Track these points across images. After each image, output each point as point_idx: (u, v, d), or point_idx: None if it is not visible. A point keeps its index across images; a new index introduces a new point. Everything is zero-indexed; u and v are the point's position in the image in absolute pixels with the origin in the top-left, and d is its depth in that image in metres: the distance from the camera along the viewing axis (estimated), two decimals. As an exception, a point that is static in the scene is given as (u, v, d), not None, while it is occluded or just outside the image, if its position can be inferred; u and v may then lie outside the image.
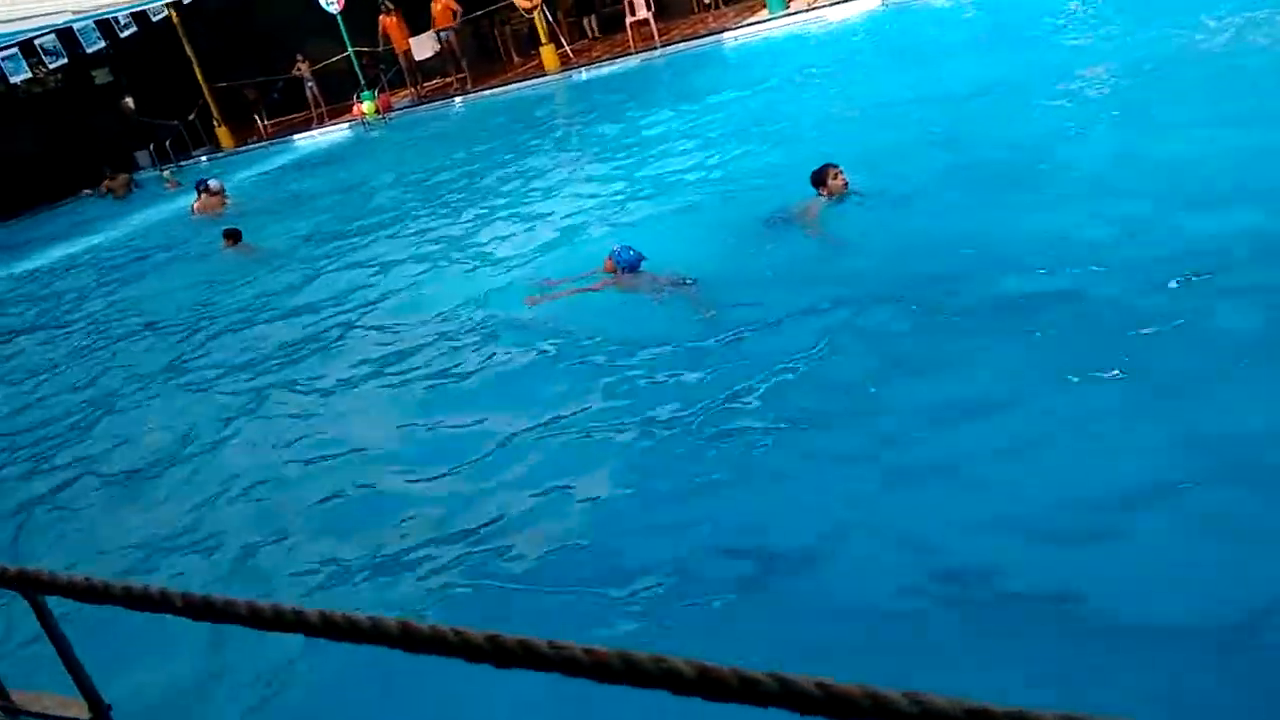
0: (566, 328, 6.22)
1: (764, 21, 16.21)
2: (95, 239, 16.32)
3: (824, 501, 3.95)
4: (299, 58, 21.77)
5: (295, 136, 21.26)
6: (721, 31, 16.63)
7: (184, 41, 21.84)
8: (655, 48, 16.95)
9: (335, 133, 20.38)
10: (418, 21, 19.86)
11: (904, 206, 6.79)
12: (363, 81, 20.41)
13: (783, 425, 4.58)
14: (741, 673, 0.80)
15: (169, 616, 1.08)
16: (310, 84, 21.73)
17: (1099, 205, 5.84)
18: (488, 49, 21.53)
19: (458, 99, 19.01)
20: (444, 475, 4.95)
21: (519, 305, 6.92)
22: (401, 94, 21.03)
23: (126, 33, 21.41)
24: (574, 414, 5.15)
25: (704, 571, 3.75)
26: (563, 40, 18.77)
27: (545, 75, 18.05)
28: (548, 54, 18.18)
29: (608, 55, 17.97)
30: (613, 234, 7.92)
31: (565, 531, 4.22)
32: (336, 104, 21.64)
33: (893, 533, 3.67)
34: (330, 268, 9.74)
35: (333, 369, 6.94)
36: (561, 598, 3.81)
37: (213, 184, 14.85)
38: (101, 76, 24.47)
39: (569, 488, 4.50)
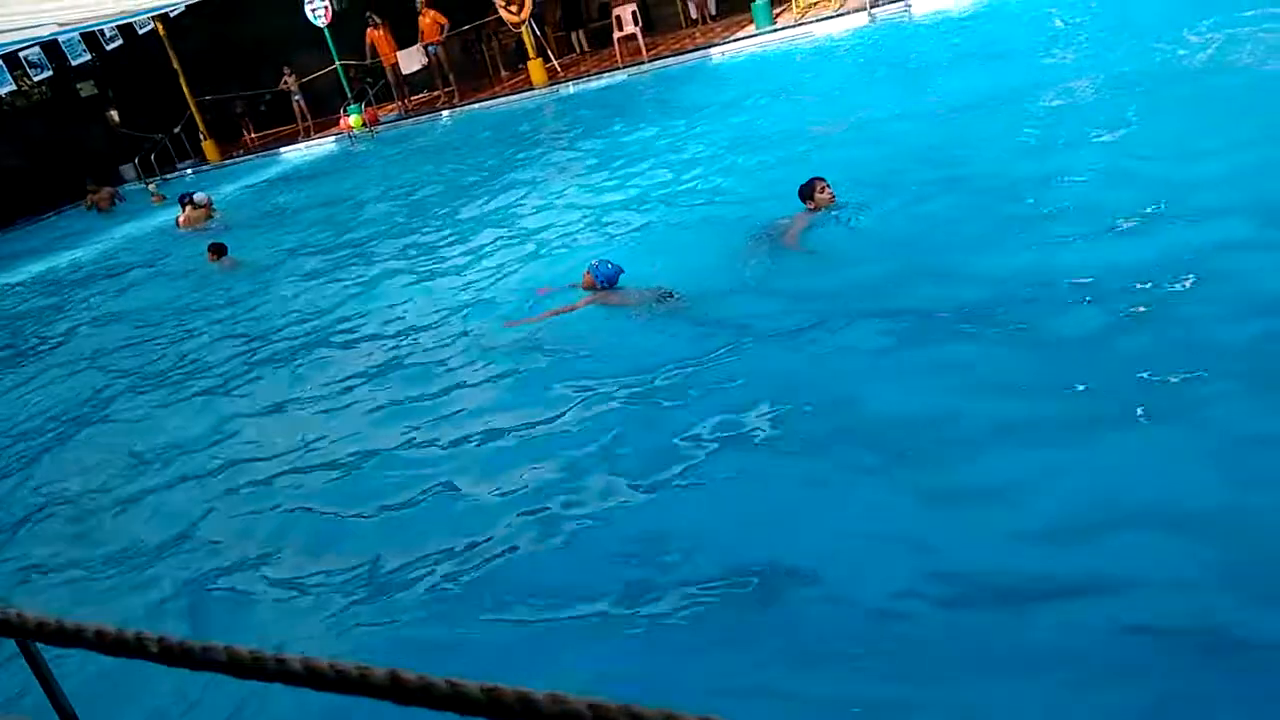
0: (548, 346, 6.18)
1: (751, 37, 16.27)
2: (77, 253, 16.21)
3: (811, 514, 3.92)
4: (286, 71, 21.74)
5: (282, 150, 21.21)
6: (709, 47, 16.67)
7: (170, 54, 21.77)
8: (643, 63, 16.98)
9: (322, 146, 20.33)
10: (405, 35, 19.85)
11: (891, 220, 6.78)
12: (350, 95, 20.38)
13: (768, 438, 4.56)
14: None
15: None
16: (297, 97, 21.69)
17: (1083, 218, 5.84)
18: (475, 63, 21.54)
19: (445, 113, 19.00)
20: (425, 495, 4.90)
21: (503, 322, 6.89)
22: (388, 108, 21.02)
23: (112, 45, 21.30)
24: (555, 433, 5.12)
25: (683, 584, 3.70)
26: (550, 55, 18.79)
27: (533, 90, 18.05)
28: (535, 68, 18.19)
29: (595, 70, 17.99)
30: (600, 248, 7.90)
31: (541, 549, 4.18)
32: (323, 117, 21.60)
33: (880, 541, 3.65)
34: (316, 283, 9.67)
35: (316, 386, 6.88)
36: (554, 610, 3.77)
37: (199, 197, 14.78)
38: (87, 89, 24.38)
39: (545, 509, 4.45)
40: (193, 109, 22.44)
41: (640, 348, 5.78)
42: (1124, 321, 4.61)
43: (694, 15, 19.43)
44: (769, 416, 4.74)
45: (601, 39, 19.63)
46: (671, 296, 6.23)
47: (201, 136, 22.74)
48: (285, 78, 21.75)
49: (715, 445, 4.60)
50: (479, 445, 5.26)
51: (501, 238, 9.26)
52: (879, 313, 5.46)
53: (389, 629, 3.98)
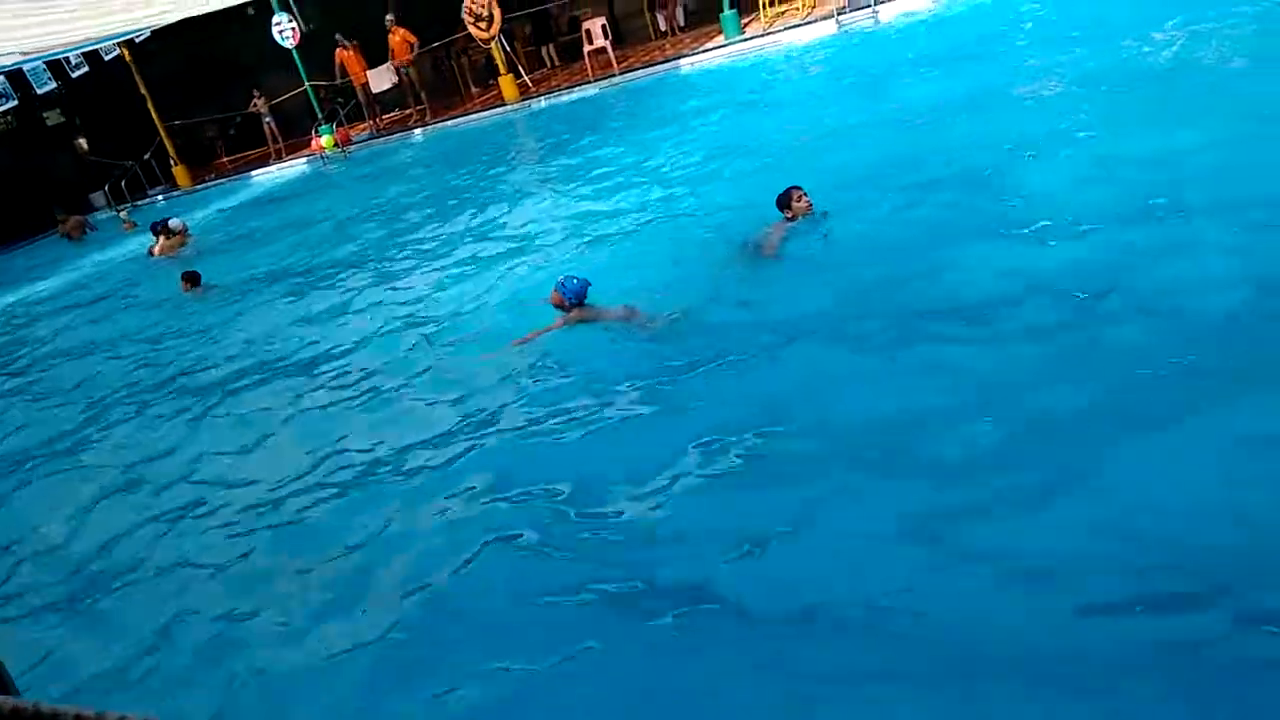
0: (526, 371, 6.12)
1: (720, 47, 16.33)
2: (48, 284, 16.04)
3: (808, 524, 3.91)
4: (255, 93, 21.63)
5: (254, 173, 21.09)
6: (679, 58, 16.71)
7: (137, 80, 21.60)
8: (614, 75, 17.01)
9: (294, 168, 20.22)
10: (375, 55, 19.80)
11: (868, 227, 6.80)
12: (320, 115, 20.30)
13: (753, 450, 4.55)
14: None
15: None
16: (268, 119, 21.58)
17: (1056, 218, 5.87)
18: (445, 80, 21.51)
19: (417, 131, 18.95)
20: (398, 526, 4.87)
21: (480, 341, 6.87)
22: (360, 127, 20.94)
23: (78, 73, 21.21)
24: (536, 458, 5.09)
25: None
26: (521, 70, 18.78)
27: (505, 105, 18.04)
28: (506, 84, 18.18)
29: (566, 84, 18.00)
30: (578, 263, 7.87)
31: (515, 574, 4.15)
32: (294, 138, 21.49)
33: (870, 549, 3.65)
34: (291, 310, 9.58)
35: (290, 416, 6.81)
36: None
37: (174, 223, 14.67)
38: (54, 118, 24.16)
39: (517, 535, 4.42)
40: (162, 134, 22.28)
41: (619, 366, 5.74)
42: (1110, 320, 4.62)
43: (663, 27, 19.49)
44: (752, 430, 4.72)
45: (572, 52, 19.66)
46: (642, 313, 6.21)
47: (172, 162, 22.57)
48: (255, 100, 21.64)
49: (700, 459, 4.59)
50: (453, 474, 5.22)
51: (478, 256, 9.22)
52: (860, 319, 5.49)
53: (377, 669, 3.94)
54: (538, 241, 9.03)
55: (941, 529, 3.68)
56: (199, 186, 21.95)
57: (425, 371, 6.80)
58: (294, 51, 19.80)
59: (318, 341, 8.27)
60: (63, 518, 6.42)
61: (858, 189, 7.60)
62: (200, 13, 18.73)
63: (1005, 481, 3.82)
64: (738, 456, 4.54)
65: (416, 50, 19.45)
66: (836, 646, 3.30)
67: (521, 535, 4.45)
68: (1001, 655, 3.05)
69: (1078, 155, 6.86)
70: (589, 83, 17.28)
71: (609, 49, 17.49)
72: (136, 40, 21.24)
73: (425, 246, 10.29)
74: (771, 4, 16.87)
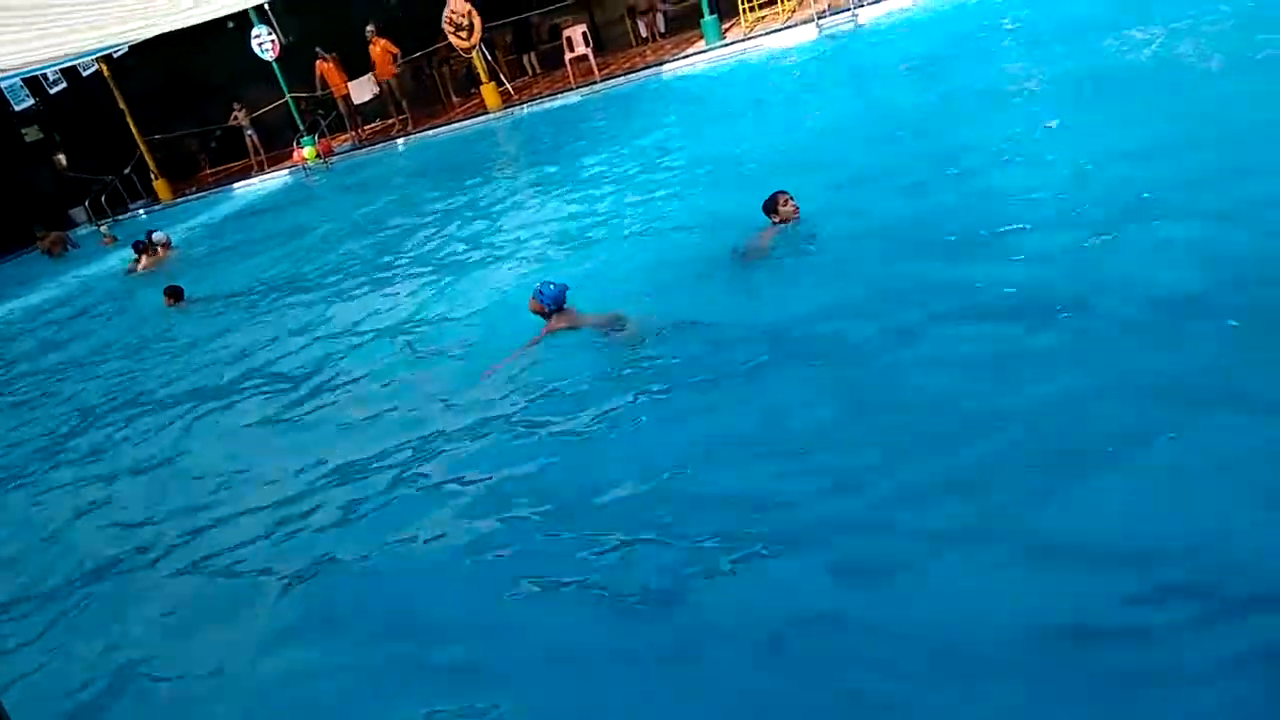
0: (513, 387, 6.08)
1: (701, 53, 16.36)
2: (28, 301, 15.91)
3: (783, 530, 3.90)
4: (235, 106, 21.54)
5: (235, 185, 20.99)
6: (660, 64, 16.74)
7: (116, 95, 21.48)
8: (595, 83, 17.02)
9: (276, 180, 20.14)
10: (356, 66, 19.75)
11: (853, 230, 6.79)
12: (302, 127, 20.23)
13: (739, 453, 4.57)
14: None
15: None
16: (250, 132, 21.50)
17: (1043, 218, 5.90)
18: (426, 89, 21.48)
19: (400, 141, 18.91)
20: (388, 544, 4.85)
21: (467, 351, 6.86)
22: (342, 138, 20.88)
23: (56, 89, 21.08)
24: (525, 461, 5.09)
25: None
26: (503, 78, 18.78)
27: (487, 114, 18.02)
28: (488, 92, 18.17)
29: (548, 92, 18.00)
30: (563, 270, 7.85)
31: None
32: (276, 150, 21.42)
33: (854, 562, 3.65)
34: (276, 322, 9.53)
35: (277, 428, 6.80)
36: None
37: (158, 236, 14.61)
38: (32, 134, 24.00)
39: (505, 549, 4.42)
40: (142, 148, 22.15)
41: (605, 377, 5.70)
42: (1113, 323, 4.60)
43: (644, 34, 19.54)
44: (743, 436, 4.73)
45: (553, 60, 19.66)
46: (626, 319, 6.20)
47: (152, 175, 22.44)
48: (235, 112, 21.55)
49: (692, 465, 4.58)
50: (437, 488, 5.21)
51: (464, 265, 9.18)
52: (848, 322, 5.48)
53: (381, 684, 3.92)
54: (523, 250, 9.01)
55: (939, 531, 3.68)
56: (180, 200, 21.83)
57: (411, 384, 6.76)
58: (274, 64, 19.74)
59: (302, 354, 8.22)
60: (40, 533, 6.39)
61: (843, 192, 7.62)
62: (179, 27, 18.63)
63: (1001, 482, 3.82)
64: (729, 464, 4.54)
65: (400, 61, 19.41)
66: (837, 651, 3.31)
67: (510, 548, 4.45)
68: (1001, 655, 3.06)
69: (1062, 156, 6.86)
70: (571, 90, 17.28)
71: (590, 56, 17.51)
72: (115, 56, 21.12)
73: (409, 257, 10.25)
74: (752, 9, 16.93)
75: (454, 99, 20.92)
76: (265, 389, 7.74)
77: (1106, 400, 4.05)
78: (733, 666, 3.37)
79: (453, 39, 17.95)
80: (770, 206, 6.68)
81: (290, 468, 6.05)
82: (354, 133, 20.51)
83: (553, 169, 12.28)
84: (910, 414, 4.44)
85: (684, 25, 18.75)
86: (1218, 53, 7.87)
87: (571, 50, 17.68)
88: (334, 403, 7.00)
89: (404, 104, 19.84)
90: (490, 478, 5.10)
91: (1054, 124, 7.58)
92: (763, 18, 16.92)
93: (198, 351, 9.34)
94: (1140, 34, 8.95)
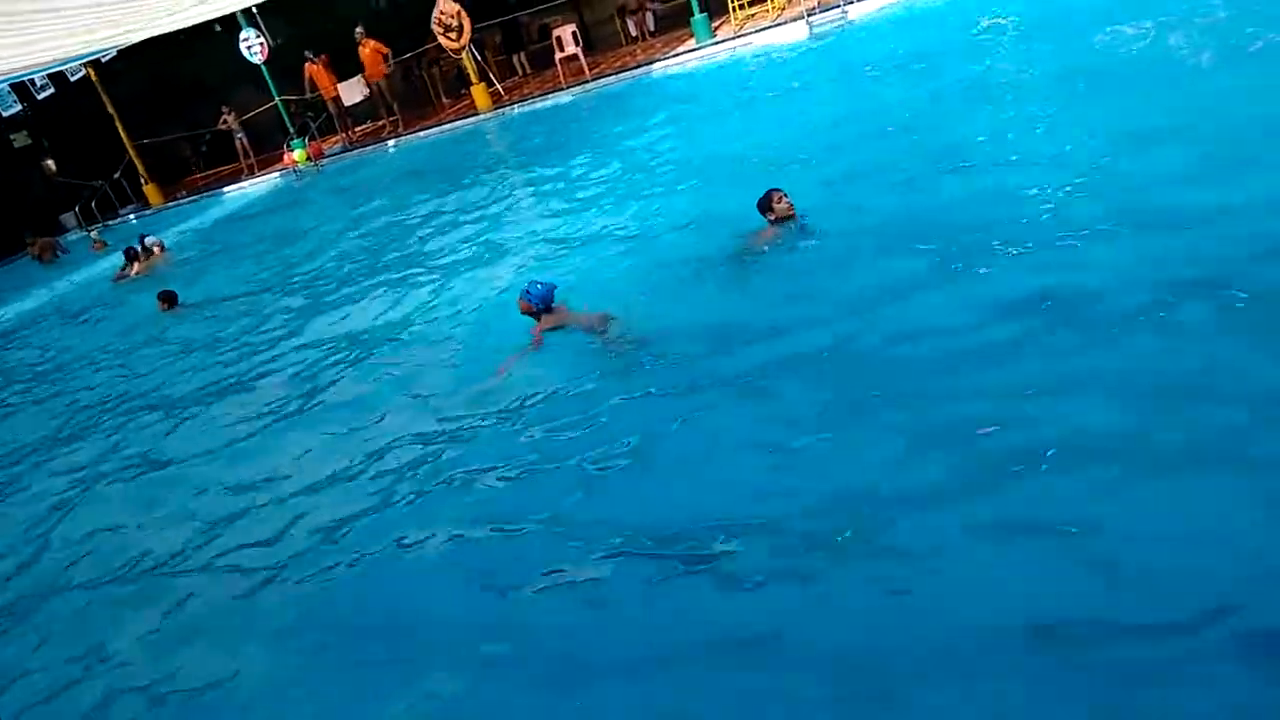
0: (503, 386, 6.12)
1: (692, 51, 16.36)
2: (18, 307, 15.84)
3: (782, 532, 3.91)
4: (224, 109, 21.47)
5: (226, 189, 20.92)
6: (651, 63, 16.74)
7: (104, 99, 21.40)
8: (586, 82, 17.01)
9: (267, 183, 20.08)
10: (345, 68, 19.70)
11: (848, 227, 6.78)
12: (292, 130, 20.18)
13: (733, 451, 4.58)
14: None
15: None
16: (240, 135, 21.43)
17: (1031, 215, 5.90)
18: (416, 90, 21.43)
19: (390, 143, 18.87)
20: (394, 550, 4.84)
21: (460, 348, 6.91)
22: (332, 140, 20.82)
23: (44, 94, 21.00)
24: (520, 468, 5.09)
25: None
26: (493, 79, 18.75)
27: (478, 114, 17.99)
28: (479, 93, 18.14)
29: (539, 91, 17.99)
30: (556, 270, 7.85)
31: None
32: (266, 153, 21.36)
33: (853, 561, 3.66)
34: (270, 326, 9.51)
35: (276, 432, 6.79)
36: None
37: (150, 240, 14.58)
38: (20, 140, 23.90)
39: (493, 571, 4.42)
40: (131, 153, 22.08)
41: (599, 375, 5.70)
42: (1123, 323, 4.56)
43: (634, 33, 19.53)
44: (739, 436, 4.73)
45: (543, 60, 19.64)
46: (617, 318, 6.20)
47: (142, 180, 22.36)
48: (224, 116, 21.47)
49: (696, 466, 4.59)
50: (435, 489, 5.22)
51: (457, 265, 9.18)
52: (842, 319, 5.48)
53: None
54: (515, 250, 9.00)
55: (941, 531, 3.68)
56: (171, 204, 21.75)
57: (404, 385, 6.77)
58: (263, 67, 19.68)
59: (297, 357, 8.22)
60: (35, 537, 6.41)
61: (836, 189, 7.63)
62: (166, 31, 18.58)
63: (1003, 480, 3.81)
64: (724, 463, 4.55)
65: (390, 62, 19.36)
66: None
67: (510, 549, 4.46)
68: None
69: (1054, 151, 6.88)
70: (562, 90, 17.27)
71: (581, 56, 17.50)
72: (102, 60, 21.05)
73: (402, 258, 10.24)
74: (741, 6, 16.93)
75: (444, 100, 20.89)
76: (260, 392, 7.73)
77: (1107, 396, 4.05)
78: (739, 665, 3.39)
79: (442, 40, 17.92)
80: (765, 204, 6.67)
81: (285, 470, 6.06)
82: (344, 135, 20.46)
83: (544, 169, 12.26)
84: (909, 410, 4.44)
85: (674, 24, 18.74)
86: (1211, 46, 7.90)
87: (561, 50, 17.67)
88: (328, 404, 7.01)
89: (394, 105, 19.79)
90: (488, 478, 5.11)
91: (1048, 119, 7.60)
92: (752, 15, 16.93)
93: (193, 356, 9.32)
94: (1132, 28, 8.97)
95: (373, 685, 3.89)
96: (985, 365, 4.61)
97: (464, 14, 17.41)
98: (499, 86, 18.68)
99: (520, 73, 20.53)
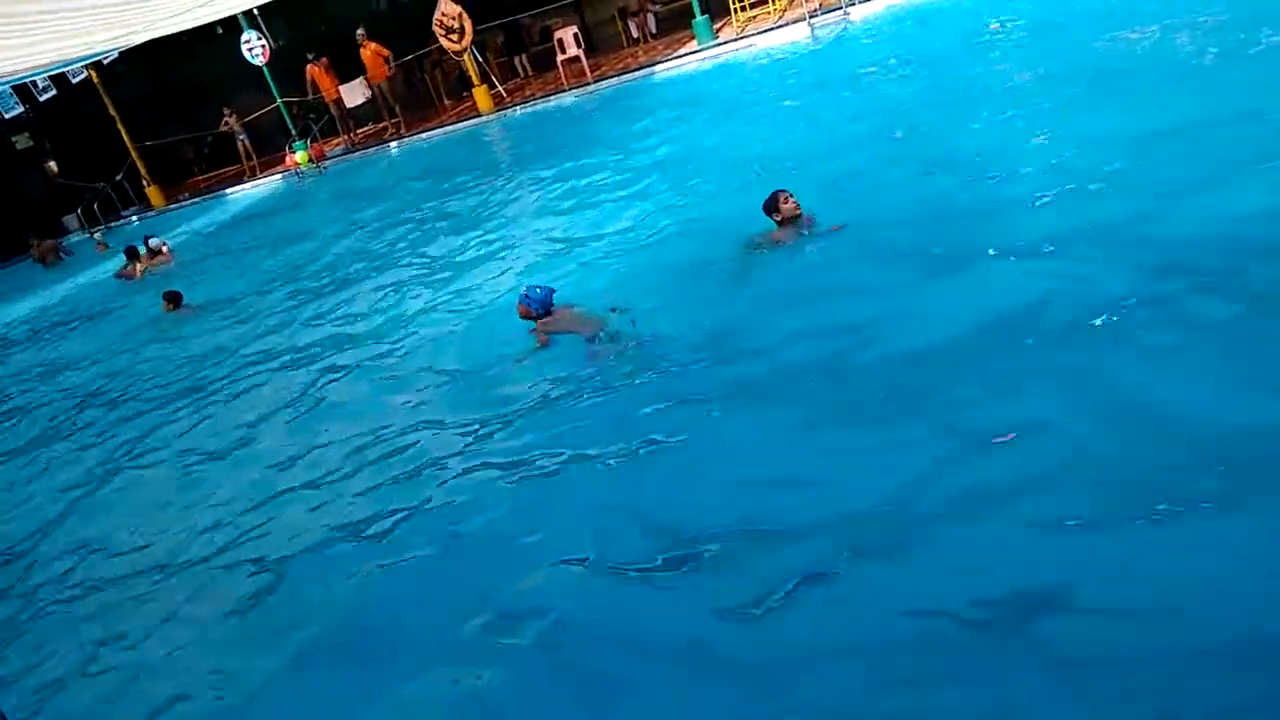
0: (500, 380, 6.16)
1: (694, 53, 16.40)
2: (21, 310, 15.88)
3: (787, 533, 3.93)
4: (226, 111, 21.51)
5: (229, 191, 20.96)
6: (653, 65, 16.78)
7: (106, 101, 21.43)
8: (588, 84, 17.05)
9: (269, 184, 20.12)
10: (347, 69, 19.74)
11: (852, 228, 6.80)
12: (294, 132, 20.21)
13: (731, 453, 4.60)
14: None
15: None
16: (242, 137, 21.47)
17: (1037, 216, 5.92)
18: (418, 93, 21.47)
19: (393, 144, 18.91)
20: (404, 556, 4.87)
21: (463, 350, 6.93)
22: (334, 142, 20.86)
23: (46, 96, 21.03)
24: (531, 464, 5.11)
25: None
26: (495, 80, 18.79)
27: (480, 116, 18.03)
28: (480, 95, 18.18)
29: (541, 93, 18.03)
30: (560, 272, 7.89)
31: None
32: (268, 155, 21.40)
33: (852, 567, 3.67)
34: (274, 326, 9.54)
35: (279, 433, 6.81)
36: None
37: (153, 243, 14.62)
38: (22, 141, 23.93)
39: (492, 571, 4.44)
40: (133, 155, 22.11)
41: (598, 377, 5.73)
42: (1119, 317, 4.59)
43: (635, 34, 19.58)
44: (738, 438, 4.75)
45: (544, 62, 19.68)
46: (617, 311, 6.23)
47: (145, 182, 22.40)
48: (226, 118, 21.51)
49: (709, 469, 4.61)
50: (442, 489, 5.24)
51: (458, 267, 9.20)
52: (848, 320, 5.49)
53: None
54: (518, 252, 9.02)
55: (942, 530, 3.71)
56: (173, 206, 21.79)
57: (407, 387, 6.78)
58: (264, 69, 19.72)
59: (300, 357, 8.26)
60: (39, 536, 6.45)
61: (840, 190, 7.62)
62: (168, 33, 18.61)
63: (1006, 479, 3.84)
64: (723, 464, 4.57)
65: (392, 64, 19.39)
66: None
67: (511, 550, 4.47)
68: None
69: (1058, 151, 6.89)
70: (564, 91, 17.31)
71: (582, 58, 17.54)
72: (104, 62, 21.09)
73: (404, 260, 10.27)
74: (743, 8, 16.97)
75: (446, 102, 20.93)
76: (264, 391, 7.79)
77: (1113, 394, 4.08)
78: (740, 664, 3.42)
79: (444, 42, 17.96)
80: (771, 206, 6.68)
81: (289, 470, 6.10)
82: (346, 136, 20.50)
83: (546, 171, 12.28)
84: (924, 414, 4.44)
85: (676, 26, 18.79)
86: (1215, 46, 7.91)
87: (563, 52, 17.71)
88: (331, 404, 7.05)
89: (396, 107, 19.84)
90: (488, 478, 5.14)
91: (1054, 120, 7.62)
92: (754, 17, 16.97)
93: (198, 355, 9.35)
94: (1136, 29, 8.98)
95: (371, 684, 3.93)
96: (1004, 368, 4.57)
97: (465, 16, 17.45)
98: (501, 88, 18.72)
99: (522, 74, 20.58)
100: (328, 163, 19.46)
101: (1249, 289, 4.46)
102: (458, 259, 9.55)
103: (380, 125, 20.61)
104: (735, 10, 16.90)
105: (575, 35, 17.78)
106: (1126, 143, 6.60)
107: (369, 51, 19.16)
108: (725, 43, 16.21)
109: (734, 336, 5.76)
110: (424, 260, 9.98)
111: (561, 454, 5.11)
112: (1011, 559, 3.44)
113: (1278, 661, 2.77)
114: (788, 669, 3.33)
